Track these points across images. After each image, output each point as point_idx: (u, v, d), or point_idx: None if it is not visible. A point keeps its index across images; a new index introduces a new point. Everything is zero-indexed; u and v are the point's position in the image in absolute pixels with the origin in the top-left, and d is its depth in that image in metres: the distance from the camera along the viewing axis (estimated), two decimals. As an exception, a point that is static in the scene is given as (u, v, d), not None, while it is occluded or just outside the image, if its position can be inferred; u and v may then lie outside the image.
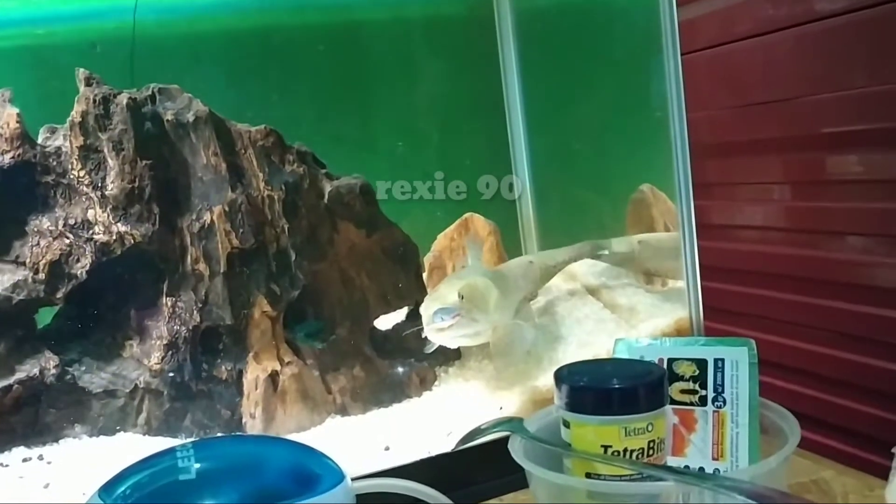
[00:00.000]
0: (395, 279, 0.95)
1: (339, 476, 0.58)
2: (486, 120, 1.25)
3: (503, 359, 0.88)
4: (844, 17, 0.91)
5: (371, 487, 0.62)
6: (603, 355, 0.89)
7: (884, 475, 0.67)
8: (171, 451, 0.58)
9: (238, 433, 0.70)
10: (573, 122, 1.21)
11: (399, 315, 0.98)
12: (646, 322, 0.97)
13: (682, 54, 0.91)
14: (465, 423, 0.81)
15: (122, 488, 0.54)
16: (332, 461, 0.60)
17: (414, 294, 0.97)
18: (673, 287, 1.10)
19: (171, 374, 0.82)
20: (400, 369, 0.92)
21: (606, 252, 1.18)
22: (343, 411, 0.87)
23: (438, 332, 0.81)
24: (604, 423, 0.60)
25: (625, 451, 0.60)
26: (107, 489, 0.54)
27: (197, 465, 0.56)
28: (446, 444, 0.76)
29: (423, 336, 0.84)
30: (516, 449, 0.64)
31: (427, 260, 1.11)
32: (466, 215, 1.10)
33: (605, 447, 0.60)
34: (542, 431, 0.68)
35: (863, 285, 0.92)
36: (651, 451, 0.60)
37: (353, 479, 0.59)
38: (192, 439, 0.81)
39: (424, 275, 1.09)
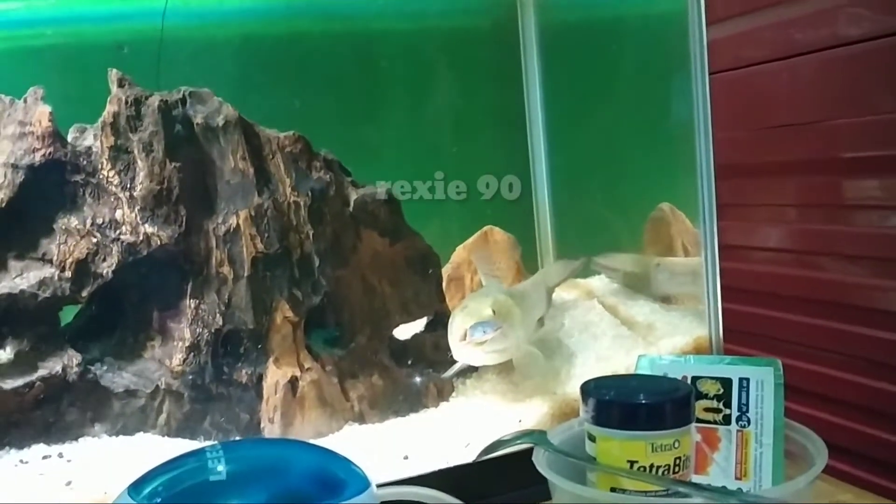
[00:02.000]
0: (416, 289, 0.95)
1: (364, 482, 0.58)
2: (507, 134, 1.25)
3: (522, 376, 0.88)
4: (868, 43, 0.91)
5: (396, 495, 0.62)
6: (621, 371, 0.90)
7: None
8: (201, 451, 0.58)
9: (261, 437, 0.70)
10: (594, 139, 1.21)
11: (419, 325, 0.98)
12: (664, 339, 0.97)
13: (708, 74, 0.91)
14: (484, 434, 0.81)
15: (152, 487, 0.54)
16: (358, 467, 0.60)
17: (434, 304, 0.97)
18: (691, 305, 1.10)
19: (192, 377, 0.82)
20: (418, 379, 0.92)
21: (617, 269, 1.18)
22: (360, 419, 0.87)
23: (475, 347, 0.81)
24: (630, 439, 0.60)
25: (651, 466, 0.60)
26: (136, 487, 0.54)
27: (226, 466, 0.56)
28: (464, 455, 0.77)
29: (449, 356, 0.84)
30: (541, 461, 0.64)
31: (445, 271, 1.11)
32: (486, 228, 1.11)
33: (631, 462, 0.60)
34: (565, 445, 0.68)
35: (880, 310, 0.92)
36: (677, 468, 0.60)
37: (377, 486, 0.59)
38: (212, 442, 0.81)
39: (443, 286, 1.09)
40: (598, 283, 1.20)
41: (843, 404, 0.97)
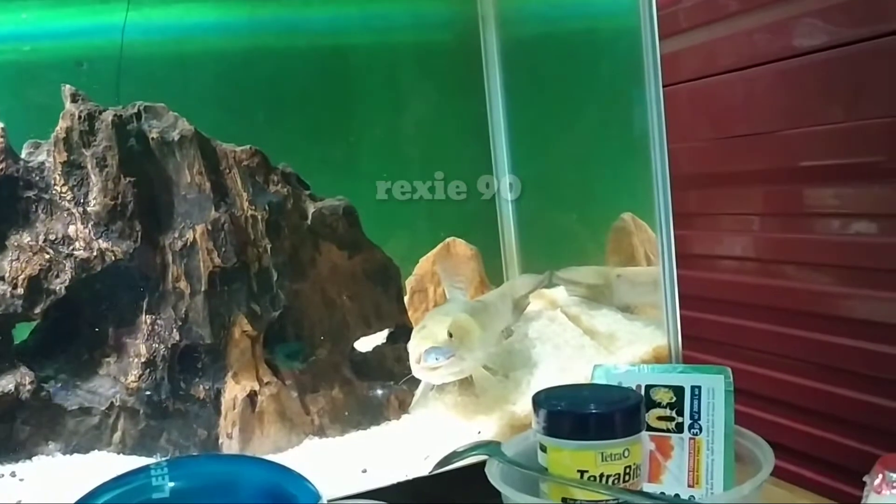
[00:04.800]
0: (376, 301, 0.95)
1: (314, 497, 0.58)
2: (470, 146, 1.26)
3: (481, 390, 0.88)
4: (824, 53, 0.93)
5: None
6: (582, 381, 0.90)
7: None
8: (146, 469, 0.57)
9: (213, 452, 0.69)
10: (557, 150, 1.22)
11: (380, 337, 0.98)
12: (624, 349, 0.98)
13: (664, 86, 0.92)
14: (443, 446, 0.81)
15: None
16: (308, 482, 0.59)
17: (395, 316, 0.97)
18: (652, 314, 1.11)
19: (148, 393, 0.81)
20: (379, 391, 0.91)
21: (579, 282, 1.19)
22: (321, 433, 0.87)
23: (429, 372, 0.81)
24: (580, 448, 0.60)
25: (601, 476, 0.60)
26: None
27: (171, 484, 0.56)
28: (424, 467, 0.76)
29: (407, 375, 0.84)
30: (493, 473, 0.64)
31: (409, 283, 1.11)
32: (448, 240, 1.11)
33: (582, 472, 0.60)
34: (520, 456, 0.69)
35: (836, 316, 0.93)
36: (627, 477, 0.61)
37: (328, 501, 0.58)
38: (166, 458, 0.80)
39: (406, 298, 1.09)
40: (562, 293, 1.20)
41: (799, 409, 0.97)
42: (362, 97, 1.22)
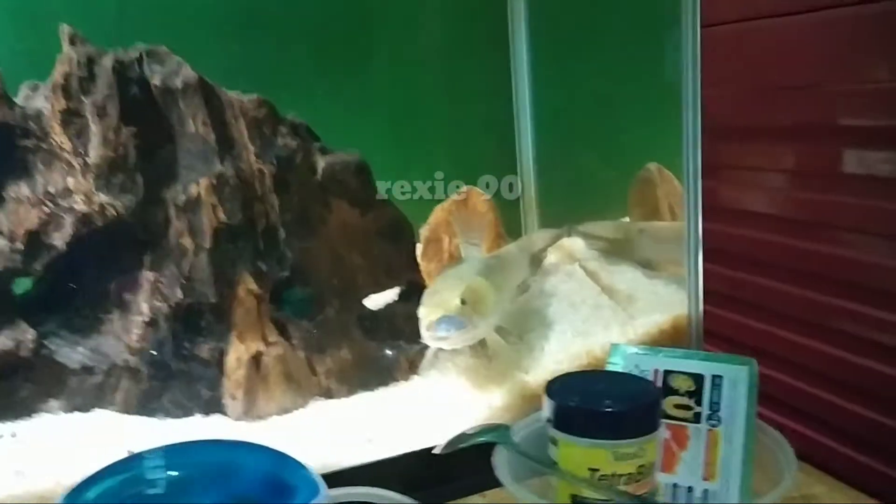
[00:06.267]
0: (387, 259, 0.92)
1: (315, 487, 0.56)
2: (490, 87, 1.20)
3: (494, 353, 0.86)
4: (878, 4, 0.85)
5: (348, 496, 0.61)
6: (597, 347, 0.87)
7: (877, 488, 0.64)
8: (139, 457, 0.55)
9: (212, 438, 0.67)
10: (582, 94, 1.16)
11: (391, 295, 0.95)
12: (643, 316, 0.94)
13: (701, 27, 0.86)
14: (453, 411, 0.80)
15: (86, 499, 0.52)
16: (310, 471, 0.57)
17: (407, 274, 0.94)
18: (674, 271, 1.07)
19: (151, 352, 0.79)
20: (389, 352, 0.89)
21: (599, 236, 1.15)
22: (328, 394, 0.85)
23: (439, 341, 0.78)
24: (593, 446, 0.58)
25: (613, 474, 0.58)
26: (72, 498, 0.52)
27: (166, 475, 0.54)
28: (430, 436, 0.75)
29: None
30: (501, 465, 0.61)
31: (422, 232, 1.07)
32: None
33: (593, 470, 0.58)
34: (530, 439, 0.66)
35: (865, 286, 0.89)
36: (640, 476, 0.58)
37: (325, 478, 0.56)
38: (172, 420, 0.79)
39: (419, 246, 1.06)
40: (581, 245, 1.16)
41: (823, 378, 0.94)
42: (382, 40, 1.15)
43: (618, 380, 0.65)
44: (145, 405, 0.79)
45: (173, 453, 0.56)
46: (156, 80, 0.80)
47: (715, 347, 0.99)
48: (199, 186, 0.80)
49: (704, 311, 0.91)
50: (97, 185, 0.78)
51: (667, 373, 0.68)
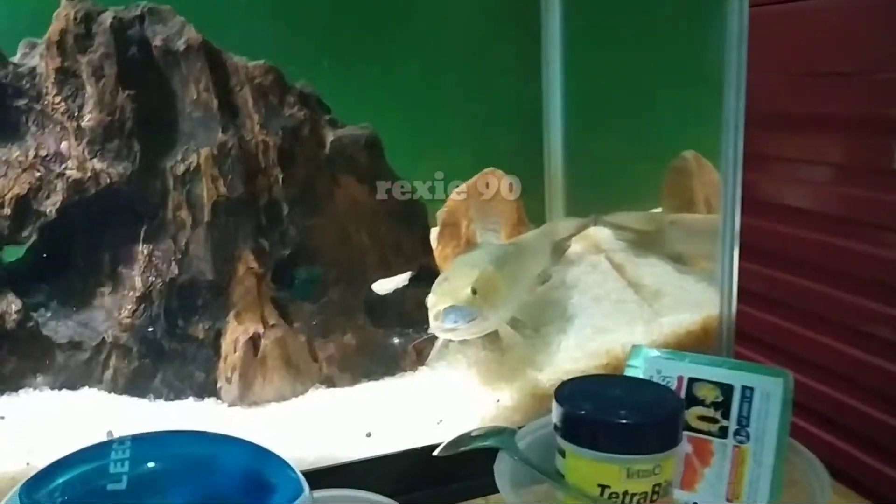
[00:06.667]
0: (398, 240, 0.86)
1: (297, 487, 0.52)
2: (519, 64, 1.13)
3: (507, 345, 0.80)
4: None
5: (331, 499, 0.56)
6: (618, 347, 0.81)
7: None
8: (107, 445, 0.51)
9: (192, 430, 0.62)
10: (616, 75, 1.09)
11: (401, 279, 0.90)
12: (669, 315, 0.88)
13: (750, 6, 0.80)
14: (459, 408, 0.74)
15: (45, 490, 0.47)
16: (293, 469, 0.53)
17: (419, 257, 0.88)
18: (706, 267, 1.00)
19: (143, 329, 0.75)
20: (395, 340, 0.84)
21: (627, 227, 1.09)
22: (329, 382, 0.80)
23: (447, 332, 0.73)
24: (603, 461, 0.52)
25: (624, 493, 0.52)
26: (27, 489, 0.47)
27: (132, 468, 0.49)
28: (435, 433, 0.70)
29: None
30: (503, 474, 0.56)
31: (440, 215, 1.02)
32: (487, 170, 1.00)
33: (603, 486, 0.52)
34: (537, 444, 0.61)
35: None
36: (656, 496, 0.53)
37: (316, 474, 0.52)
38: (161, 402, 0.75)
39: (435, 231, 1.01)
40: (608, 235, 1.10)
41: (857, 387, 0.87)
42: (409, 23, 1.09)
43: (636, 387, 0.59)
44: (135, 385, 0.75)
45: (146, 444, 0.51)
46: (157, 41, 0.76)
47: (745, 349, 0.93)
48: (200, 156, 0.75)
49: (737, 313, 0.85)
50: (91, 150, 0.74)
51: (692, 381, 0.62)
